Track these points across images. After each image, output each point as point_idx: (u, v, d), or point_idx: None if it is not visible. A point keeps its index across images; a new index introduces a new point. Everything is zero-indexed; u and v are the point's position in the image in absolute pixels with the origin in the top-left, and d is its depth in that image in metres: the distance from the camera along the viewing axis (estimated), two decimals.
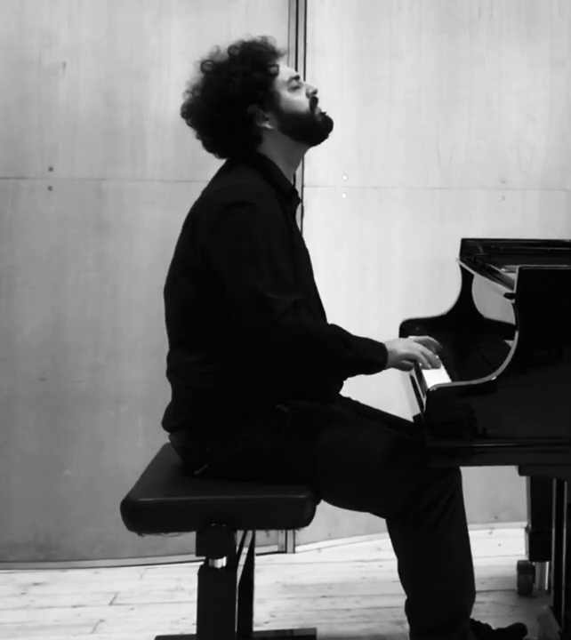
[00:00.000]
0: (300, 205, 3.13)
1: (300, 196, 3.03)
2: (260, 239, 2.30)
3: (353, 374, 2.42)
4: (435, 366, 2.47)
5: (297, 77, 2.53)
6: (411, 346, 2.45)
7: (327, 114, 2.54)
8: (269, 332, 2.27)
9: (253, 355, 2.32)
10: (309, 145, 2.55)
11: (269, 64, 2.48)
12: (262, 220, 2.32)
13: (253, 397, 2.37)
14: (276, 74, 2.48)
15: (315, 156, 3.36)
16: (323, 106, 2.55)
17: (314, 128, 2.51)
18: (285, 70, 2.51)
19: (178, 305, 2.42)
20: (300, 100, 2.50)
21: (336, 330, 2.36)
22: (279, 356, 2.32)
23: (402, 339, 2.58)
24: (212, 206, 2.38)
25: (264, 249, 2.30)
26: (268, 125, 2.46)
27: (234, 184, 2.40)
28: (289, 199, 2.51)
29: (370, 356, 2.36)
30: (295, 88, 2.50)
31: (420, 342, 2.51)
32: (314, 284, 2.55)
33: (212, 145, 2.52)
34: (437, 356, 2.50)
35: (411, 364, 2.45)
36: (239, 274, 2.29)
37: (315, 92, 2.53)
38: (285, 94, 2.48)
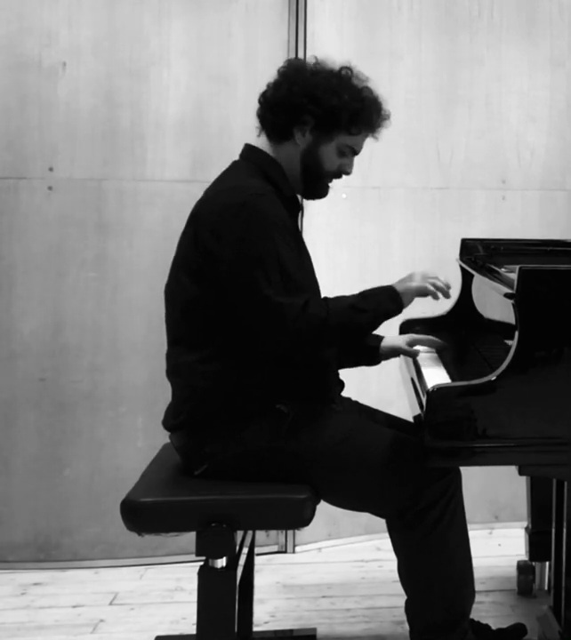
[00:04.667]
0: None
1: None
2: (265, 242, 2.30)
3: (374, 330, 2.46)
4: (446, 295, 2.52)
5: (354, 153, 2.52)
6: (422, 283, 2.49)
7: (328, 191, 2.55)
8: (285, 336, 2.30)
9: (274, 355, 2.35)
10: (301, 189, 2.53)
11: (363, 125, 2.47)
12: (265, 221, 2.32)
13: (253, 397, 2.37)
14: (352, 133, 2.47)
15: None
16: None
17: (313, 184, 2.51)
18: (356, 140, 2.50)
19: (179, 303, 2.42)
20: (332, 160, 2.49)
21: (344, 301, 2.37)
22: (301, 353, 2.36)
23: (413, 274, 2.57)
24: (214, 207, 2.38)
25: (270, 251, 2.30)
26: (298, 138, 2.46)
27: (236, 185, 2.40)
28: (291, 203, 2.51)
29: (385, 309, 2.42)
30: (342, 154, 2.49)
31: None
32: (317, 284, 2.56)
33: (264, 113, 2.50)
34: (446, 284, 2.54)
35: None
36: (248, 281, 2.29)
37: (346, 174, 2.53)
38: (331, 146, 2.47)
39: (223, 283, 2.33)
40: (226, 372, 2.36)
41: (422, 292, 2.48)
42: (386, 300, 2.42)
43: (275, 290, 2.29)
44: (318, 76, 2.46)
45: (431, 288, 2.49)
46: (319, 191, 2.55)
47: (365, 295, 2.40)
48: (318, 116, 2.43)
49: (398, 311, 2.44)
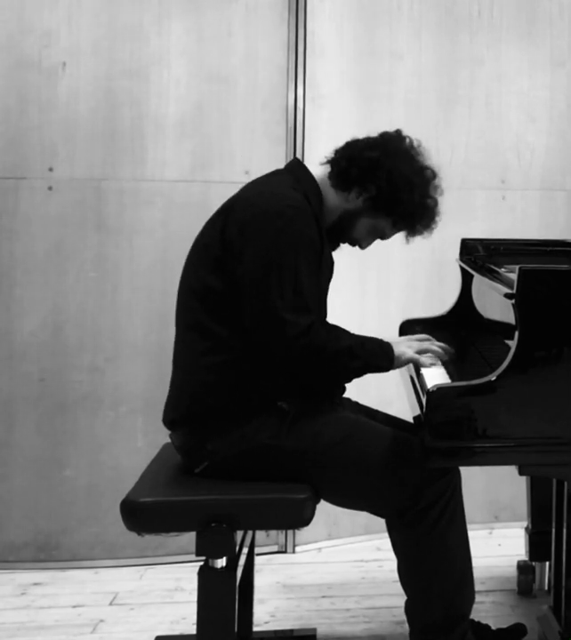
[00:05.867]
0: None
1: None
2: (289, 254, 2.32)
3: (359, 377, 2.46)
4: (443, 358, 2.54)
5: (381, 238, 2.59)
6: (415, 355, 2.49)
7: (336, 249, 2.59)
8: (279, 350, 2.32)
9: (265, 358, 2.35)
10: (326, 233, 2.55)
11: (408, 226, 2.55)
12: (295, 235, 2.34)
13: (255, 393, 2.38)
14: (394, 226, 2.54)
15: (315, 157, 3.36)
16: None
17: (333, 238, 2.53)
18: (393, 232, 2.58)
19: (192, 289, 2.43)
20: (362, 233, 2.54)
21: (344, 341, 2.38)
22: (288, 369, 2.36)
23: (411, 341, 2.59)
24: (249, 206, 2.39)
25: (291, 265, 2.32)
26: (352, 197, 2.48)
27: (277, 192, 2.41)
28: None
29: (377, 362, 2.43)
30: (373, 233, 2.55)
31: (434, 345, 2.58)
32: (325, 306, 2.57)
33: (341, 156, 2.53)
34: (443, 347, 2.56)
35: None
36: (262, 287, 2.30)
37: (360, 248, 2.59)
38: (370, 222, 2.52)
39: (238, 280, 2.34)
40: (229, 365, 2.36)
41: (413, 362, 2.51)
42: (381, 356, 2.43)
43: (283, 303, 2.30)
44: (407, 165, 2.48)
45: (423, 360, 2.50)
46: (331, 245, 2.56)
47: (364, 343, 2.41)
48: (382, 193, 2.46)
49: (387, 370, 2.46)
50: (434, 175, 2.54)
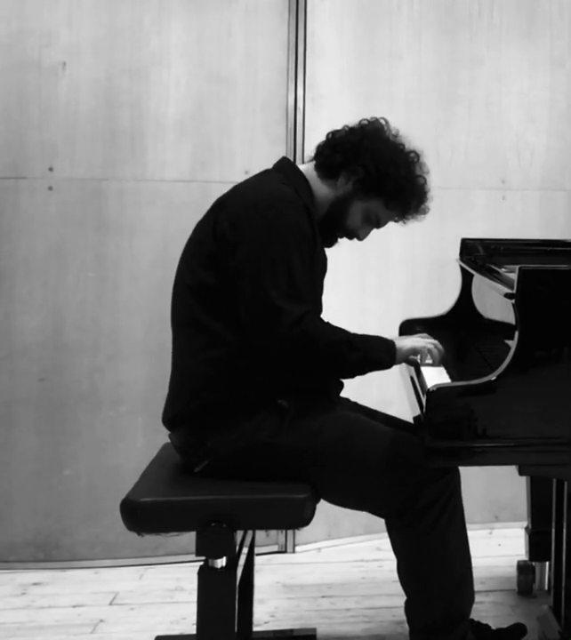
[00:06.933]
0: None
1: None
2: (281, 246, 2.33)
3: (362, 373, 2.45)
4: (435, 363, 2.51)
5: (377, 225, 2.58)
6: (418, 342, 2.51)
7: (335, 244, 2.59)
8: (274, 340, 2.31)
9: (260, 353, 2.35)
10: (321, 228, 2.55)
11: (401, 204, 2.53)
12: (286, 227, 2.35)
13: (252, 389, 2.38)
14: (387, 207, 2.52)
15: None
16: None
17: (327, 231, 2.54)
18: (386, 215, 2.56)
19: (187, 286, 2.43)
20: (355, 220, 2.54)
21: (342, 334, 2.37)
22: (285, 361, 2.35)
23: (413, 336, 2.60)
24: (240, 201, 2.40)
25: (284, 256, 2.32)
26: (340, 183, 2.50)
27: (268, 187, 2.43)
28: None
29: (377, 356, 2.41)
30: (367, 219, 2.55)
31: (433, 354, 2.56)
32: (320, 300, 2.56)
33: (324, 147, 2.55)
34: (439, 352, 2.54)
35: (416, 358, 2.52)
36: (256, 279, 2.31)
37: (358, 239, 2.59)
38: (362, 206, 2.52)
39: (231, 274, 2.35)
40: (225, 360, 2.36)
41: (415, 351, 2.50)
42: (381, 350, 2.43)
43: (277, 293, 2.30)
44: (390, 145, 2.51)
45: (425, 349, 2.50)
46: (328, 240, 2.57)
47: (365, 338, 2.41)
48: (369, 172, 2.47)
49: (388, 365, 2.44)
50: (417, 156, 2.56)
